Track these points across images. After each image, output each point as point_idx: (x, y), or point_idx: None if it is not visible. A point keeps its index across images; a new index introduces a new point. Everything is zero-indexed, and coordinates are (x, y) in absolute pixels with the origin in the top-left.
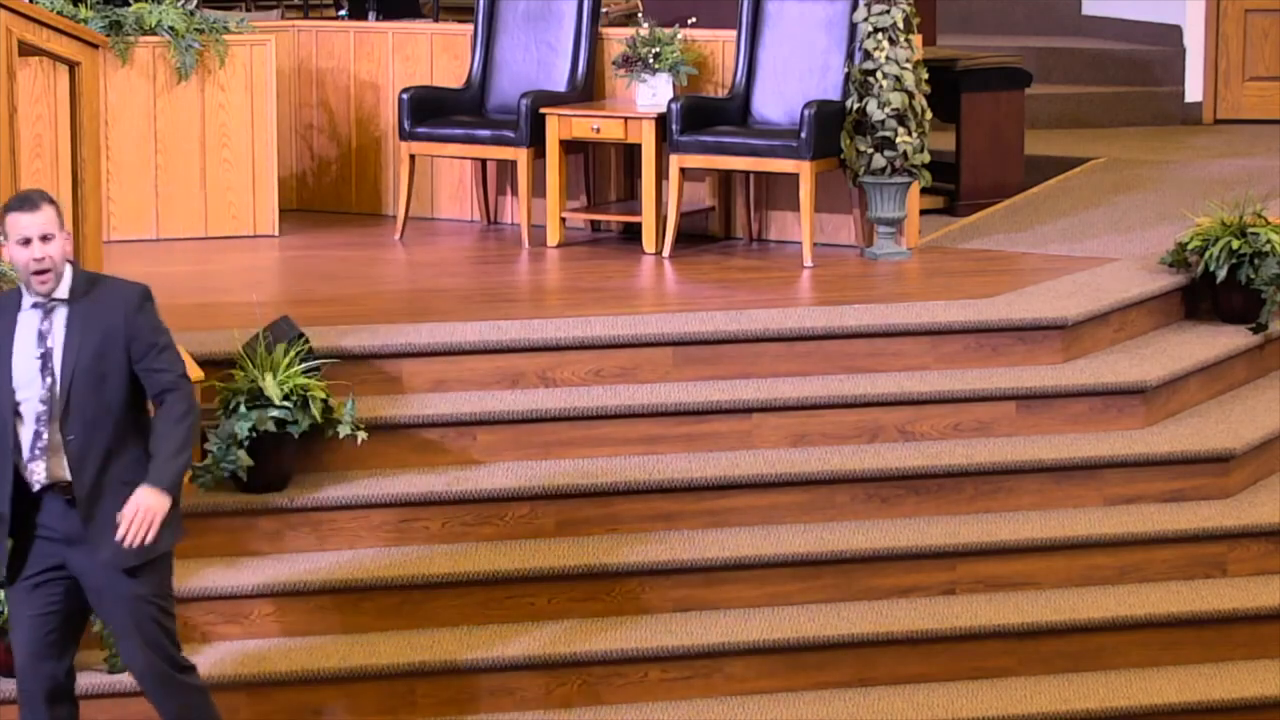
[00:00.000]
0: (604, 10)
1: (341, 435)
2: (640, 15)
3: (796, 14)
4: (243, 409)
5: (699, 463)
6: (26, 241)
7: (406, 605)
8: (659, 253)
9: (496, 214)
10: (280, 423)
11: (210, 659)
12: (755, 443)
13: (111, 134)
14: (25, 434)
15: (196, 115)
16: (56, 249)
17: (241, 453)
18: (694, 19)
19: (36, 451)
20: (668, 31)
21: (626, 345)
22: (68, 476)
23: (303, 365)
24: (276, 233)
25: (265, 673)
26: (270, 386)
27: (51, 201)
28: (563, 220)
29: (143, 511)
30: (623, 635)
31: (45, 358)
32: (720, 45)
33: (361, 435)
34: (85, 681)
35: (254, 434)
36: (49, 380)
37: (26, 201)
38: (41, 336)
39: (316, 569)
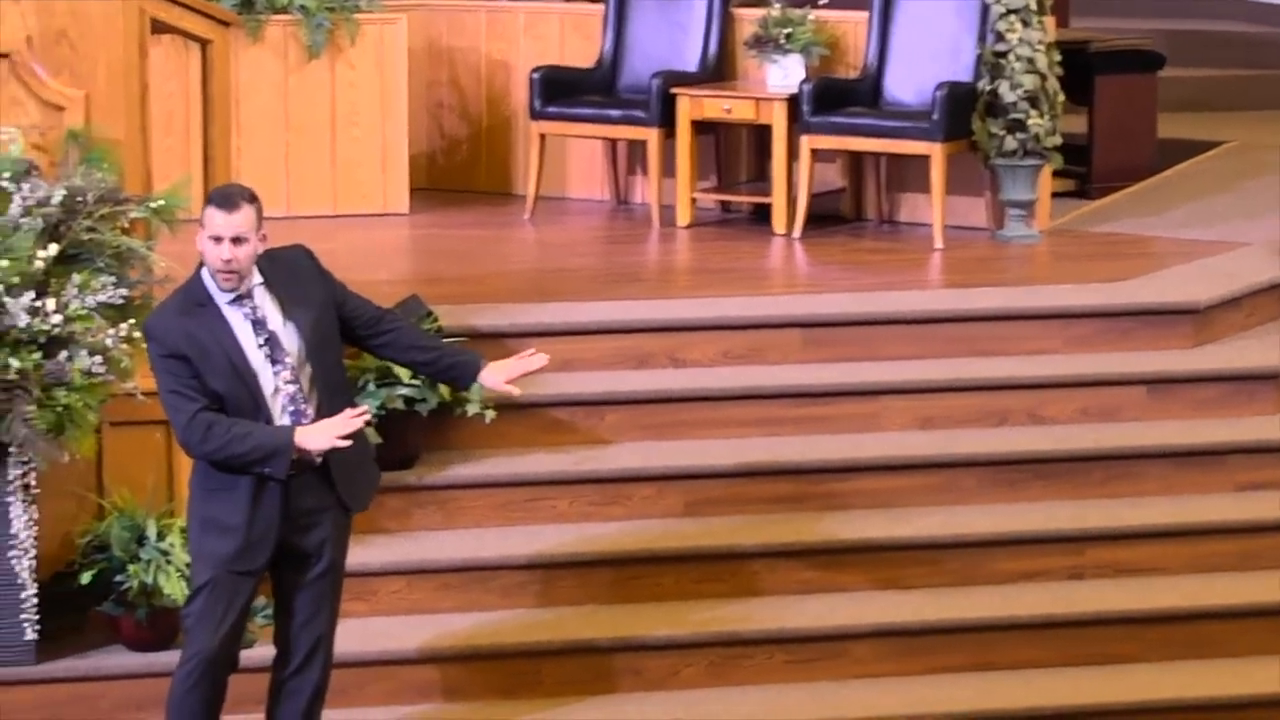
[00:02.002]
0: None
1: (470, 414)
2: None
3: None
4: (371, 387)
5: (825, 445)
6: (218, 240)
7: (532, 584)
8: (789, 234)
9: (626, 194)
10: (409, 401)
11: (338, 635)
12: (882, 425)
13: (242, 112)
14: (284, 421)
15: (327, 93)
16: (246, 252)
17: (370, 430)
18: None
19: (305, 424)
20: (799, 12)
21: (755, 326)
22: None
23: None
24: (407, 211)
25: (392, 650)
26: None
27: (253, 201)
28: (693, 201)
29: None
30: (748, 616)
31: (271, 343)
32: (852, 26)
33: (490, 414)
34: None
35: (382, 412)
36: (287, 361)
37: (227, 199)
38: (259, 325)
39: (443, 547)
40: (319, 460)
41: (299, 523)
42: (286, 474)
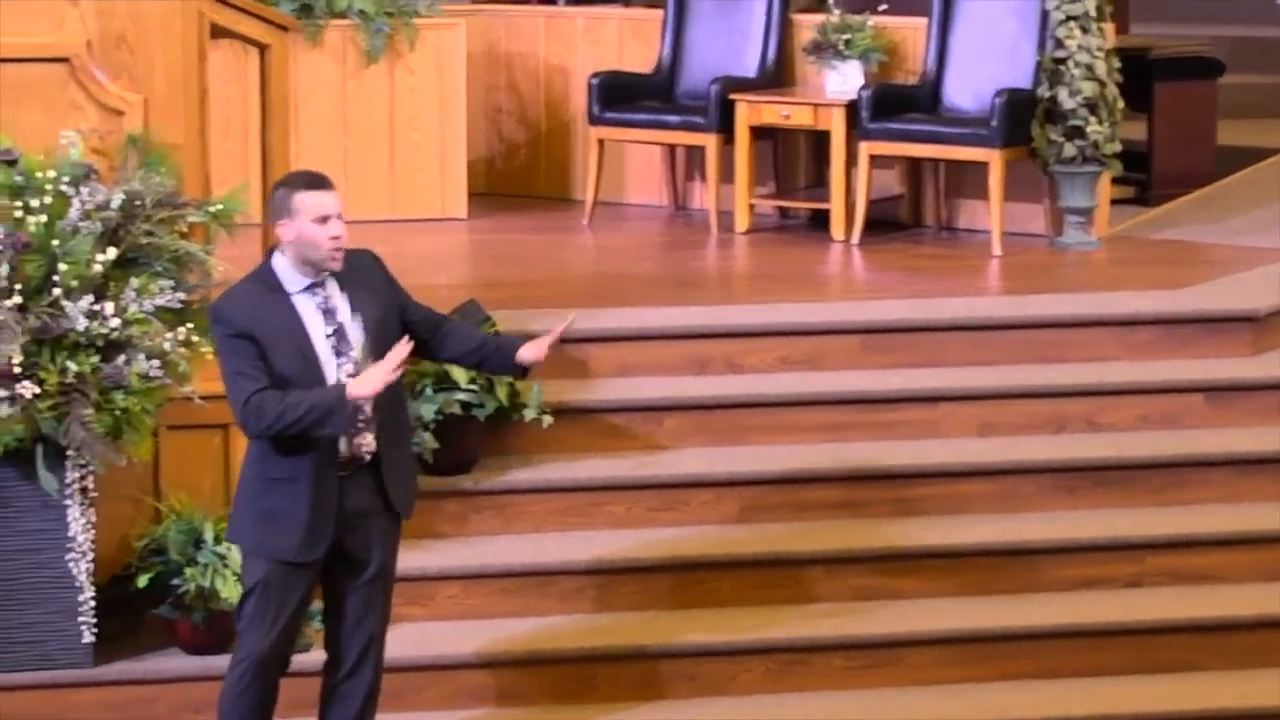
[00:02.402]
0: None
1: (527, 419)
2: (831, 1)
3: (988, 1)
4: (429, 392)
5: (885, 451)
6: (325, 219)
7: (590, 589)
8: (847, 240)
9: (685, 199)
10: (466, 405)
11: (394, 639)
12: (941, 432)
13: (301, 116)
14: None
15: (385, 98)
16: (344, 229)
17: (427, 435)
18: (885, 5)
19: (360, 424)
20: (859, 18)
21: (814, 332)
22: (374, 446)
23: None
24: (465, 216)
25: (449, 654)
26: (457, 369)
27: None
28: (751, 206)
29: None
30: (806, 623)
31: (338, 334)
32: (911, 32)
33: (547, 419)
34: None
35: (440, 417)
36: (351, 354)
37: (322, 180)
38: (329, 315)
39: (501, 552)
40: (368, 457)
41: (352, 523)
42: (344, 431)
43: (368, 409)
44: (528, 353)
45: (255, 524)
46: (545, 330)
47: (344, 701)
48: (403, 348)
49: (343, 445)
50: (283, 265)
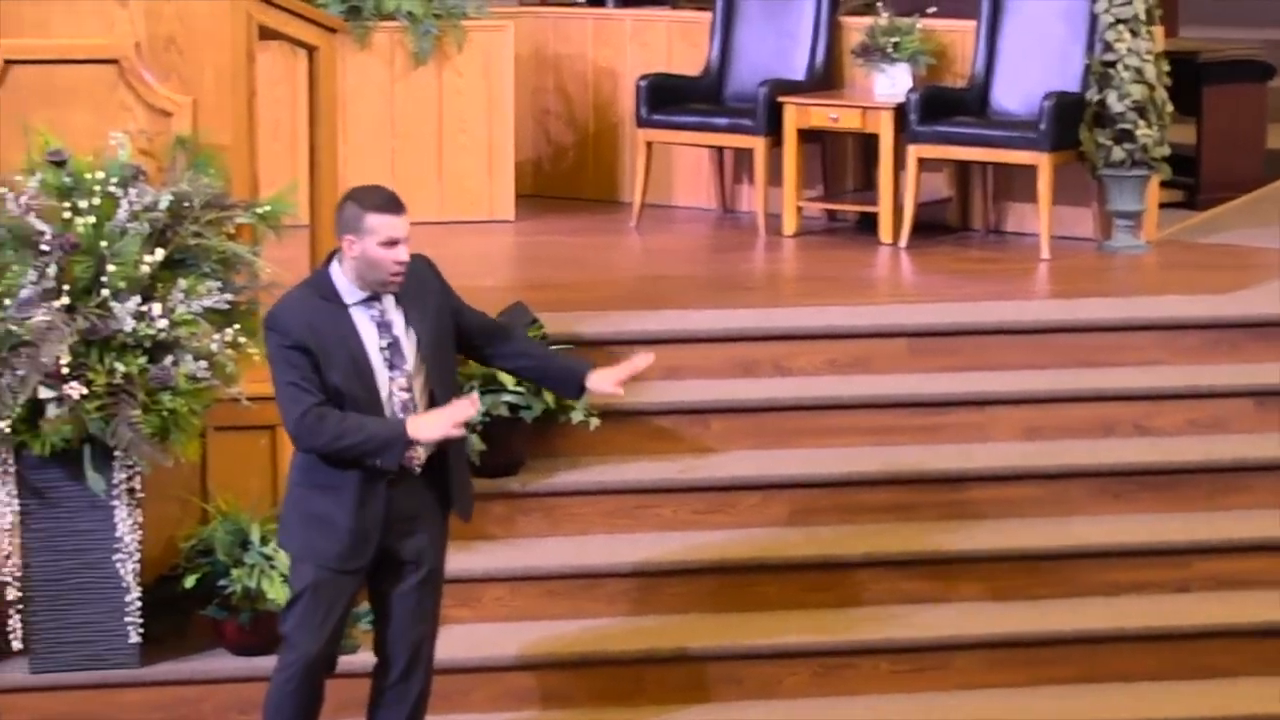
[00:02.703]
0: None
1: (575, 421)
2: (880, 4)
3: (1036, 4)
4: (476, 394)
5: (932, 454)
6: (394, 243)
7: (636, 591)
8: (895, 243)
9: (733, 202)
10: (513, 408)
11: (441, 641)
12: (989, 435)
13: (348, 118)
14: None
15: (433, 100)
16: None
17: (474, 437)
18: (933, 8)
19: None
20: (907, 21)
21: (862, 335)
22: (423, 459)
23: None
24: (512, 218)
25: (495, 656)
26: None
27: None
28: (799, 209)
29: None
30: (852, 626)
31: (393, 348)
32: (960, 35)
33: (595, 421)
34: None
35: (487, 418)
36: (404, 367)
37: (394, 202)
38: (384, 328)
39: (548, 554)
40: (419, 467)
41: (400, 528)
42: (396, 467)
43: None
44: (601, 385)
45: (302, 530)
46: (595, 334)
47: (394, 705)
48: (469, 408)
49: (418, 455)
50: (340, 275)
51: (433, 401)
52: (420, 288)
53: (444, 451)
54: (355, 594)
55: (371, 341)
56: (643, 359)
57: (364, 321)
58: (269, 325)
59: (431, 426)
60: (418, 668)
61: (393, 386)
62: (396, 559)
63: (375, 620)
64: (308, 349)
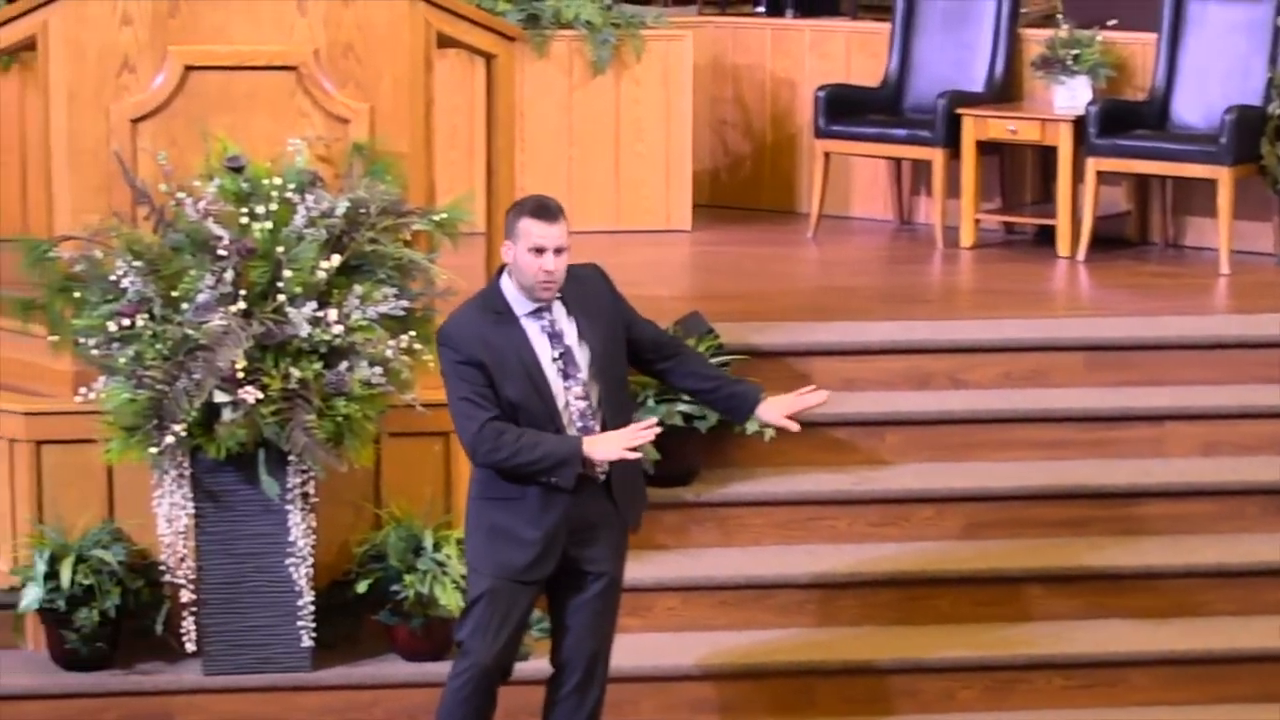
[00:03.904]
0: (1023, 10)
1: (749, 432)
2: (1060, 16)
3: (1218, 17)
4: (651, 403)
5: (1108, 469)
6: (540, 250)
7: (809, 603)
8: (1073, 256)
9: (910, 213)
10: (688, 417)
11: (613, 650)
12: (1166, 451)
13: (526, 126)
14: (573, 433)
15: (611, 109)
16: (564, 263)
17: (649, 446)
18: (1114, 20)
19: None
20: (1088, 33)
21: (1038, 349)
22: (608, 465)
23: (713, 361)
24: (689, 228)
25: (667, 666)
26: None
27: (563, 213)
28: (976, 221)
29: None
30: (1026, 641)
31: (565, 357)
32: (1140, 47)
33: (769, 432)
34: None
35: (661, 428)
36: (579, 376)
37: (548, 211)
38: (555, 338)
39: (720, 564)
40: (602, 476)
41: (580, 536)
42: (572, 485)
43: (597, 428)
44: (772, 416)
45: (483, 541)
46: (770, 345)
47: (569, 716)
48: (648, 431)
49: (601, 464)
50: (510, 287)
51: (606, 412)
52: (592, 297)
53: (620, 461)
54: (533, 602)
55: (544, 352)
56: (815, 396)
57: (535, 333)
58: (441, 341)
59: (607, 446)
60: (594, 678)
61: (569, 396)
62: (578, 568)
63: (553, 629)
64: (481, 364)
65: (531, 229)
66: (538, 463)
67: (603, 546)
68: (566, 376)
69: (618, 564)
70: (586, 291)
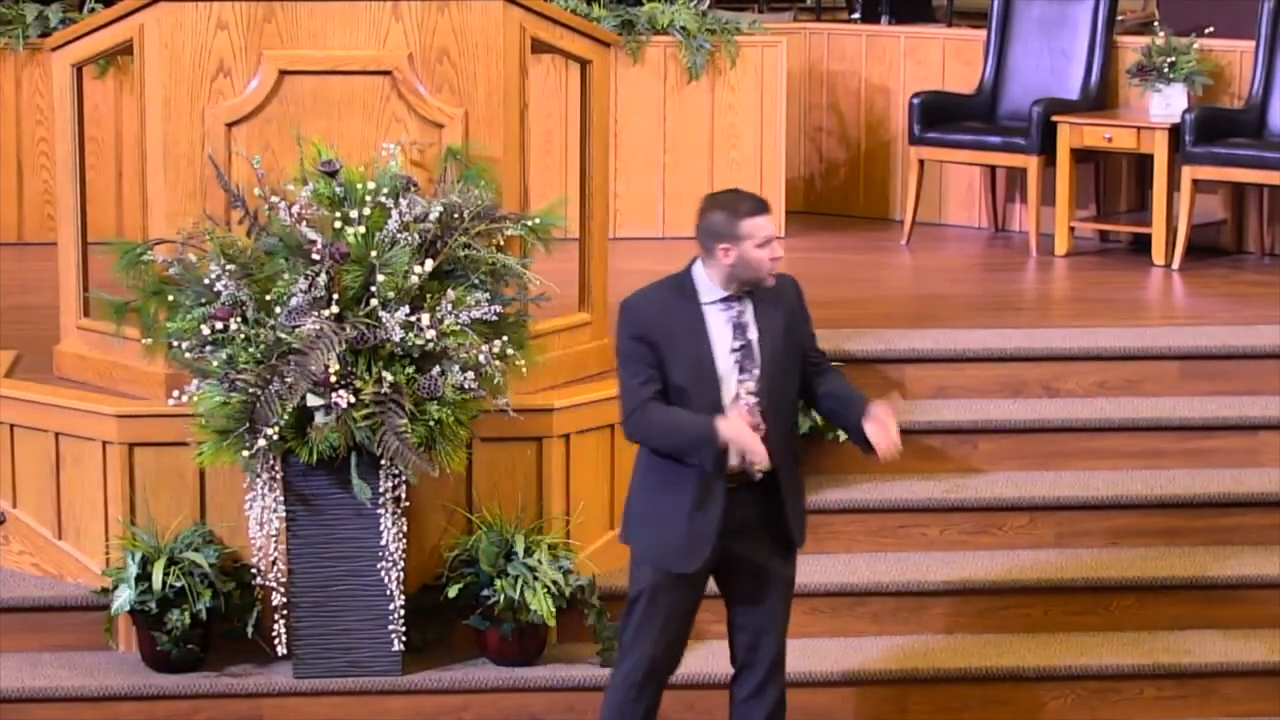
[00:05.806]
0: (1119, 18)
1: (842, 439)
2: (1156, 23)
3: None
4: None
5: (1202, 479)
6: (768, 242)
7: (901, 611)
8: (1168, 265)
9: (1004, 221)
10: None
11: (704, 655)
12: (1260, 461)
13: (620, 132)
14: None
15: (705, 115)
16: None
17: None
18: (1211, 28)
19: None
20: (1184, 41)
21: (1132, 358)
22: (767, 465)
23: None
24: (783, 234)
25: None
26: None
27: None
28: (1071, 229)
29: (893, 420)
30: (1119, 650)
31: (745, 350)
32: (1237, 55)
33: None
34: (579, 674)
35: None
36: (754, 371)
37: (764, 205)
38: (739, 329)
39: (813, 571)
40: (758, 475)
41: (741, 535)
42: (715, 468)
43: (764, 426)
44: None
45: (641, 529)
46: (864, 352)
47: (748, 717)
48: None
49: (733, 457)
50: (702, 275)
51: (772, 414)
52: (781, 301)
53: (783, 471)
54: (697, 603)
55: (723, 342)
56: (889, 450)
57: (719, 321)
58: (622, 313)
59: (740, 433)
60: (775, 679)
61: (740, 389)
62: (746, 568)
63: (730, 630)
64: (654, 343)
65: (759, 225)
66: (675, 438)
67: (768, 548)
68: (743, 370)
69: (788, 565)
70: (775, 295)
